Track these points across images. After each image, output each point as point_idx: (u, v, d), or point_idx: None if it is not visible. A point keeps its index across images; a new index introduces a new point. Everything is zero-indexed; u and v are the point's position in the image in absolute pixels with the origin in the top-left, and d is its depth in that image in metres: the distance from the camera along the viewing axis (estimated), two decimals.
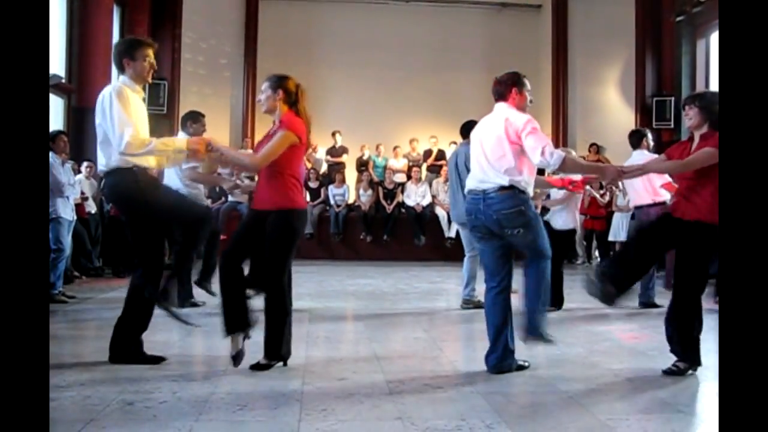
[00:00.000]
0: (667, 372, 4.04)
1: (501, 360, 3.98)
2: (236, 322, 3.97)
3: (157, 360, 4.16)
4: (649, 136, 6.97)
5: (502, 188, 3.90)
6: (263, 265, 4.03)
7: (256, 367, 3.97)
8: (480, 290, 6.18)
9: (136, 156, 3.95)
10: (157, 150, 4.01)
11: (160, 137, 4.14)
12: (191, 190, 6.33)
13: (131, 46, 4.20)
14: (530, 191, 4.02)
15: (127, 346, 4.14)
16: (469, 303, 6.72)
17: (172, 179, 6.34)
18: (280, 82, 4.08)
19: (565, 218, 6.79)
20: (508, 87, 4.08)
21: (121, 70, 4.14)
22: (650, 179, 6.40)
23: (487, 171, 3.98)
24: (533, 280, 4.09)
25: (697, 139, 4.14)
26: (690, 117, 4.15)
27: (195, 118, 6.53)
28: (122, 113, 3.90)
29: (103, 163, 4.09)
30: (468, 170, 6.35)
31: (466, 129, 6.70)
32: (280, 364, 4.06)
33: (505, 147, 3.91)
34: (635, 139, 6.90)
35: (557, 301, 6.67)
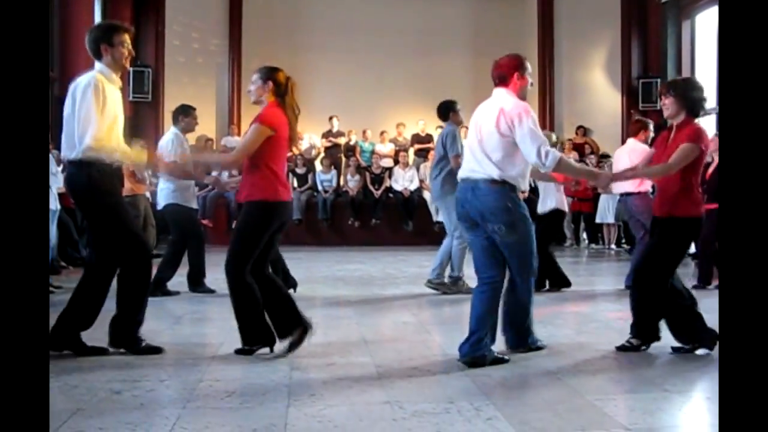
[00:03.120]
0: (621, 348, 4.14)
1: (473, 351, 3.80)
2: (284, 327, 4.06)
3: (100, 351, 3.96)
4: (651, 128, 6.72)
5: (494, 182, 3.77)
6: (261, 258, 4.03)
7: (241, 351, 4.01)
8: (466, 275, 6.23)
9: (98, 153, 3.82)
10: (116, 159, 3.92)
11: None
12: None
13: (109, 31, 4.01)
14: (523, 186, 3.91)
15: (68, 336, 3.94)
16: (435, 284, 6.46)
17: None
18: (270, 74, 4.05)
19: (547, 200, 6.77)
20: (510, 71, 3.90)
21: (98, 56, 3.95)
22: None
23: (480, 161, 3.83)
24: (513, 299, 4.02)
25: (674, 130, 4.11)
26: (667, 107, 4.11)
27: (186, 112, 6.48)
28: (90, 110, 3.75)
29: (69, 152, 3.88)
30: (444, 151, 6.35)
31: (444, 110, 6.66)
32: (267, 350, 4.03)
33: (497, 140, 3.78)
34: (636, 128, 6.73)
35: (558, 282, 6.68)
